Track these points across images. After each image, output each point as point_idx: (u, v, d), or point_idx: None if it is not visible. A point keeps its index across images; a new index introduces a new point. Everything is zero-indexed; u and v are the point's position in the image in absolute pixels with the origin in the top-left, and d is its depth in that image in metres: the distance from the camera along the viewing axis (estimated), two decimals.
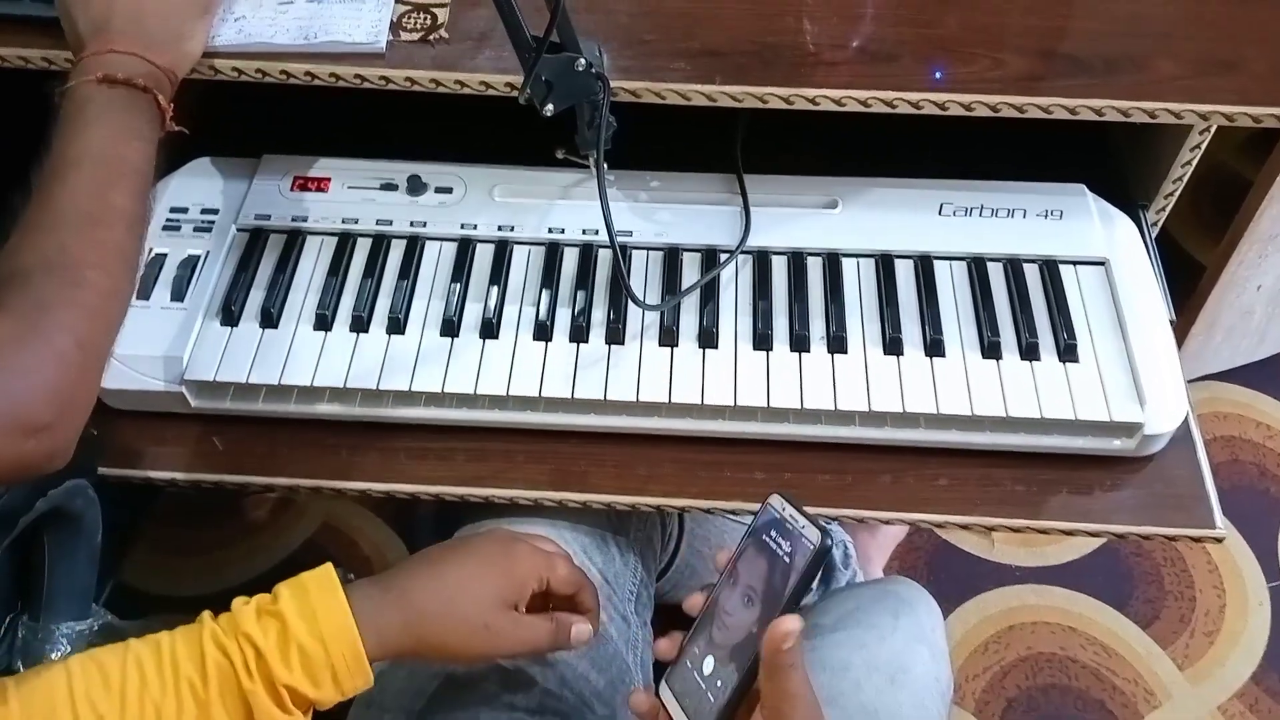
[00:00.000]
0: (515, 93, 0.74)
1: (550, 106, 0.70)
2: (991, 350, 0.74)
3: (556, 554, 0.66)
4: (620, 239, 0.80)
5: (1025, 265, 0.79)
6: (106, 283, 0.60)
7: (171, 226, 0.80)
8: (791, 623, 0.50)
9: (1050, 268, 0.79)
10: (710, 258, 0.79)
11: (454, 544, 0.66)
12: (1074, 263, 0.79)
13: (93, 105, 0.65)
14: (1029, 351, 0.74)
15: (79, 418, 0.58)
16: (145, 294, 0.76)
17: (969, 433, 0.73)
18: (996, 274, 0.78)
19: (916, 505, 0.74)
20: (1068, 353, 0.74)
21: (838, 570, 1.08)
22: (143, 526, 1.20)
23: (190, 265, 0.78)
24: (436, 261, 0.80)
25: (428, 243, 0.80)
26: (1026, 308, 0.76)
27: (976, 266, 0.79)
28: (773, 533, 0.55)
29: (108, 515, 0.91)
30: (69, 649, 0.74)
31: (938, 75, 0.74)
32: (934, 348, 0.74)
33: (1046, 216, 0.81)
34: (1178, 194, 0.88)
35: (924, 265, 0.79)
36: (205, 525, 1.35)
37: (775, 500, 0.56)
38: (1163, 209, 0.89)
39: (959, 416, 0.72)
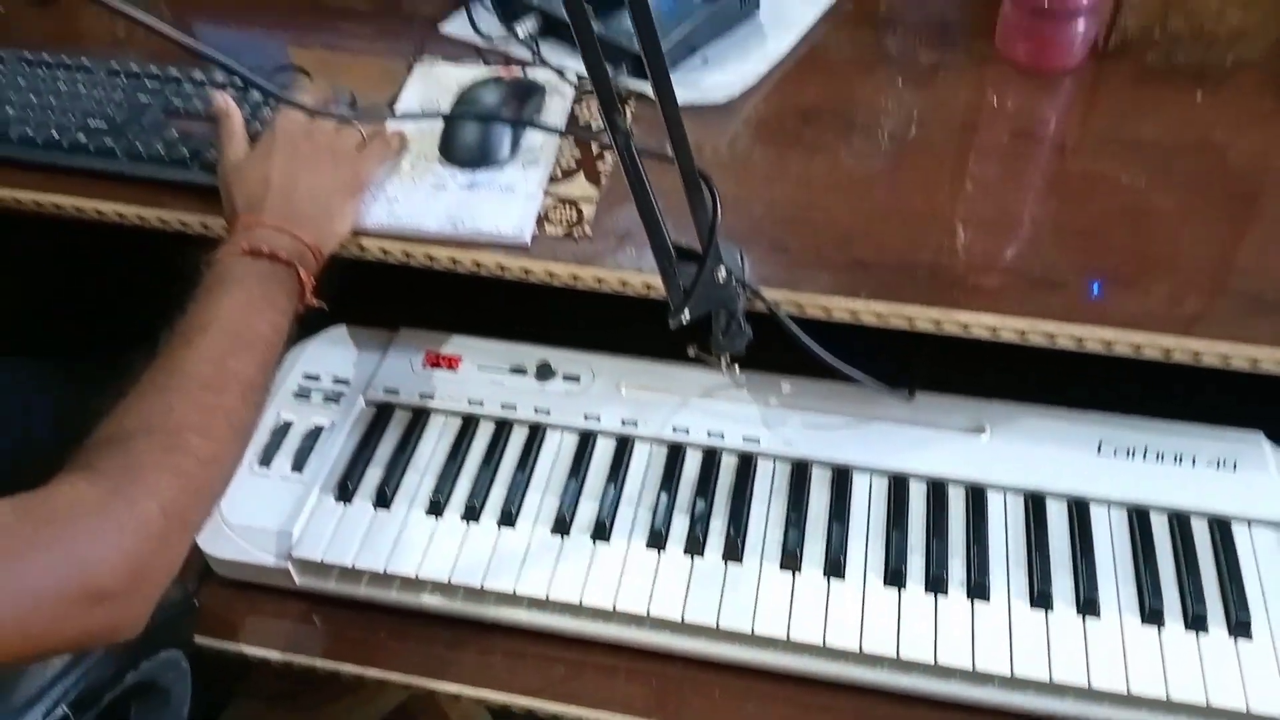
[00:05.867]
0: (652, 292, 0.73)
1: (688, 313, 0.67)
2: (1153, 616, 0.67)
3: None
4: (746, 447, 0.76)
5: (1193, 520, 0.71)
6: (207, 449, 0.59)
7: (302, 394, 0.80)
8: None
9: (1221, 527, 0.71)
10: (842, 476, 0.75)
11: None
12: (1248, 522, 0.71)
13: (233, 274, 0.66)
14: (1195, 621, 0.66)
15: (154, 589, 0.56)
16: (267, 461, 0.76)
17: (1125, 710, 0.65)
18: (1160, 527, 0.71)
19: None
20: (1240, 628, 0.66)
21: None
22: (231, 703, 1.18)
23: (314, 436, 0.78)
24: (556, 452, 0.77)
25: (549, 431, 0.78)
26: (1194, 569, 0.69)
27: (1138, 517, 0.71)
28: None
29: (194, 690, 0.89)
30: None
31: (1102, 307, 0.68)
32: (1088, 606, 0.67)
33: (1218, 466, 0.73)
34: None
35: (1079, 509, 0.72)
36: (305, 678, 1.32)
37: None
38: None
39: (1113, 694, 0.64)
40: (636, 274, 0.72)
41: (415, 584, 0.71)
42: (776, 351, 0.75)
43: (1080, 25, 0.82)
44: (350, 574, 0.72)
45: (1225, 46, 0.84)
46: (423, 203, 0.75)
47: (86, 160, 0.79)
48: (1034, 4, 0.82)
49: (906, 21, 0.93)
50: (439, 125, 0.79)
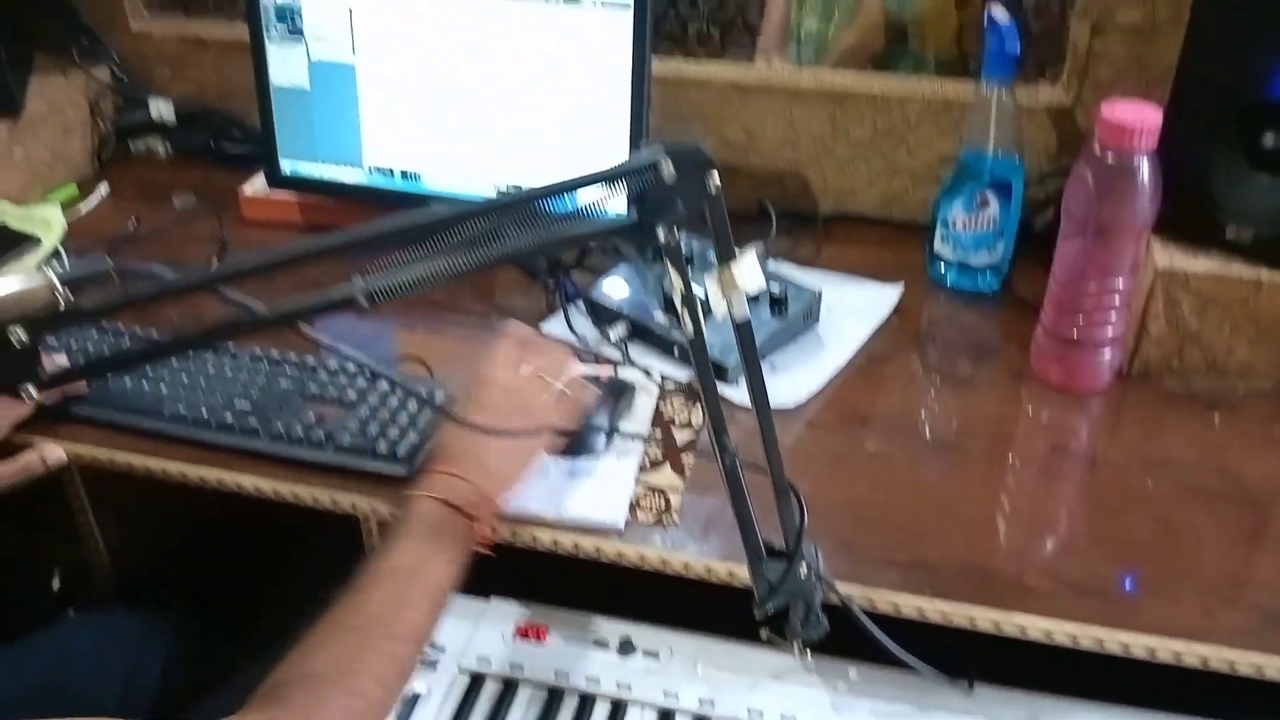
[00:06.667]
0: (734, 580, 0.80)
1: (770, 606, 0.75)
2: None
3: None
4: None
5: None
6: (377, 694, 0.66)
7: None
8: None
9: None
10: None
11: None
12: None
13: (422, 519, 0.73)
14: None
15: None
16: None
17: None
18: None
19: None
20: None
21: None
22: None
23: (413, 703, 0.83)
24: None
25: (630, 707, 0.84)
26: None
27: None
28: None
29: None
30: None
31: (1143, 615, 0.75)
32: None
33: None
34: None
35: None
36: None
37: None
38: None
39: None
40: (720, 563, 0.81)
41: None
42: (840, 636, 0.81)
43: (1106, 354, 0.94)
44: None
45: (1236, 377, 0.95)
46: (529, 488, 0.85)
47: (233, 438, 0.89)
48: (1064, 335, 0.94)
49: (947, 339, 1.06)
50: None
